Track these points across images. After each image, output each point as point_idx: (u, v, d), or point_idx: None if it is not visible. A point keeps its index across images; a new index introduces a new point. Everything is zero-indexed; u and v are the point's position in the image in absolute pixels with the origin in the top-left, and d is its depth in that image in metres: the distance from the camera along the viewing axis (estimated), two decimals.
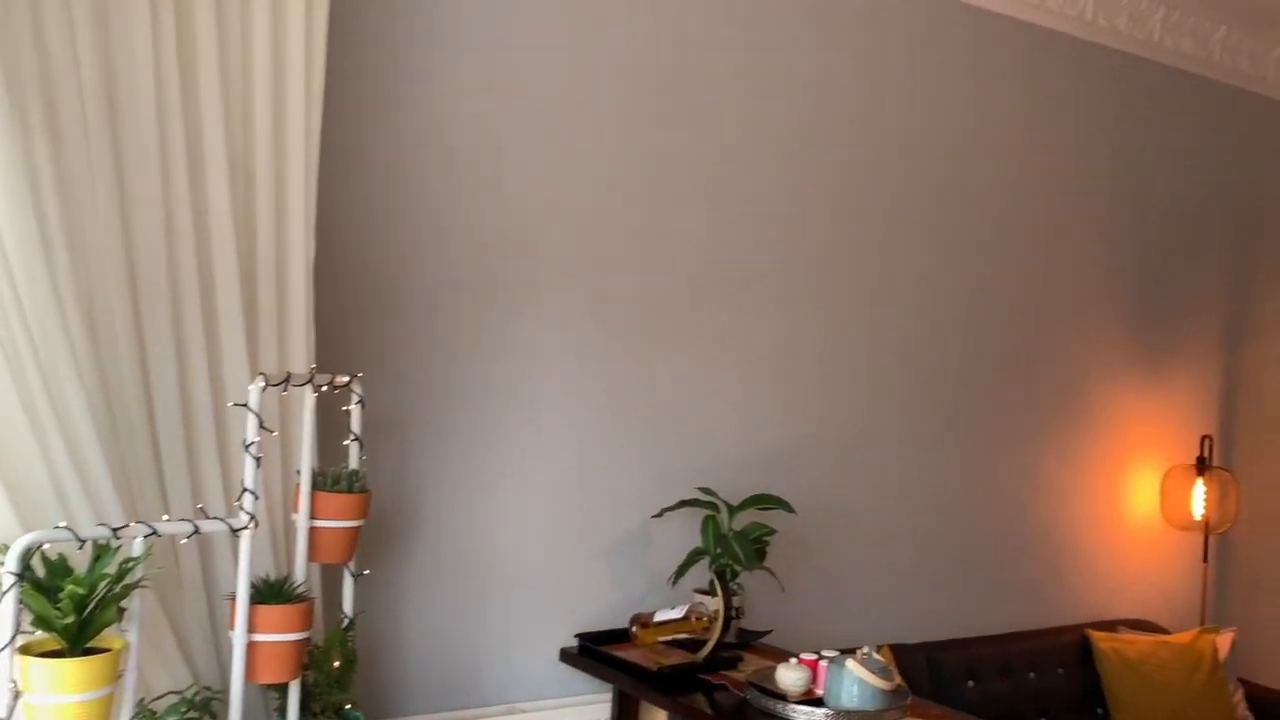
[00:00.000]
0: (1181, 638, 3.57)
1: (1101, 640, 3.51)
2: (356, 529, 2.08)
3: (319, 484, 2.04)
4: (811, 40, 3.21)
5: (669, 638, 2.60)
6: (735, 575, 2.75)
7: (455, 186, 2.64)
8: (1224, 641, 3.58)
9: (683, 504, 2.80)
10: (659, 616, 2.59)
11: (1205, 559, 3.98)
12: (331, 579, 2.24)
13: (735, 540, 2.71)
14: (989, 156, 3.60)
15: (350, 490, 2.04)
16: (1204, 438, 3.99)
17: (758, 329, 3.12)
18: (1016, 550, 3.69)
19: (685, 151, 2.99)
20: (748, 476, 3.08)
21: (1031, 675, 3.39)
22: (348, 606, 2.17)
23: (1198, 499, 3.89)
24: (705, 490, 2.87)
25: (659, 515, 2.82)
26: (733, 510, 2.82)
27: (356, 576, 2.18)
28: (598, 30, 2.84)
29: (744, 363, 3.10)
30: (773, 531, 2.81)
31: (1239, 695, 3.56)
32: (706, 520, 2.79)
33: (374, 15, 2.53)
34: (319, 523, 2.03)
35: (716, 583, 2.55)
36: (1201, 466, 3.90)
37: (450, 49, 2.63)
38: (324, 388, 2.08)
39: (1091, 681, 3.49)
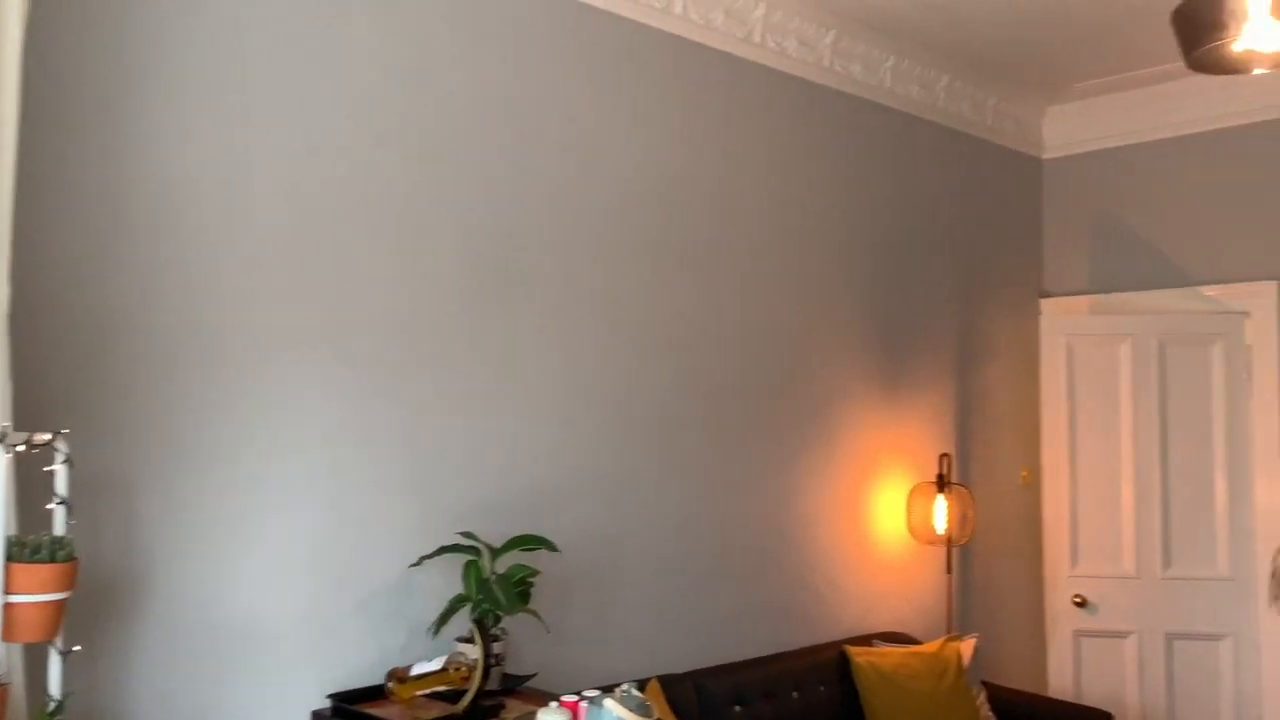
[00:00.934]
0: (930, 647, 3.78)
1: (858, 655, 3.66)
2: (62, 602, 1.87)
3: (14, 555, 1.83)
4: (567, 82, 3.23)
5: (428, 691, 2.50)
6: (498, 620, 2.69)
7: (184, 224, 2.47)
8: (967, 648, 3.81)
9: (443, 550, 2.72)
10: (416, 670, 2.49)
11: (949, 570, 4.25)
12: (38, 659, 2.01)
13: (497, 584, 2.65)
14: (741, 197, 3.74)
15: (53, 559, 1.84)
16: (942, 456, 4.27)
17: (519, 368, 3.09)
18: (778, 572, 3.81)
19: (444, 188, 2.93)
20: (513, 518, 3.04)
21: (795, 694, 3.49)
22: (54, 688, 1.96)
23: (939, 514, 4.15)
24: (466, 534, 2.80)
25: (418, 564, 2.73)
26: (495, 553, 2.76)
27: (65, 654, 1.97)
28: (337, 69, 2.75)
29: (506, 402, 3.05)
30: (536, 573, 2.77)
31: (982, 697, 3.80)
32: (468, 565, 2.72)
33: (90, 35, 2.34)
34: (15, 598, 1.82)
35: (476, 630, 2.48)
36: (941, 483, 4.17)
37: (181, 78, 2.47)
38: (21, 447, 1.87)
39: (851, 696, 3.64)
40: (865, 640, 3.89)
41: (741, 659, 3.61)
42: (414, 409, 2.85)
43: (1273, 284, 4.41)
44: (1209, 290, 4.58)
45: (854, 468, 4.10)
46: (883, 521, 4.20)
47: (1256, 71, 2.36)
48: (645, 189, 3.44)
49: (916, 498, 4.22)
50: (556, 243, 3.20)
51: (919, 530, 4.20)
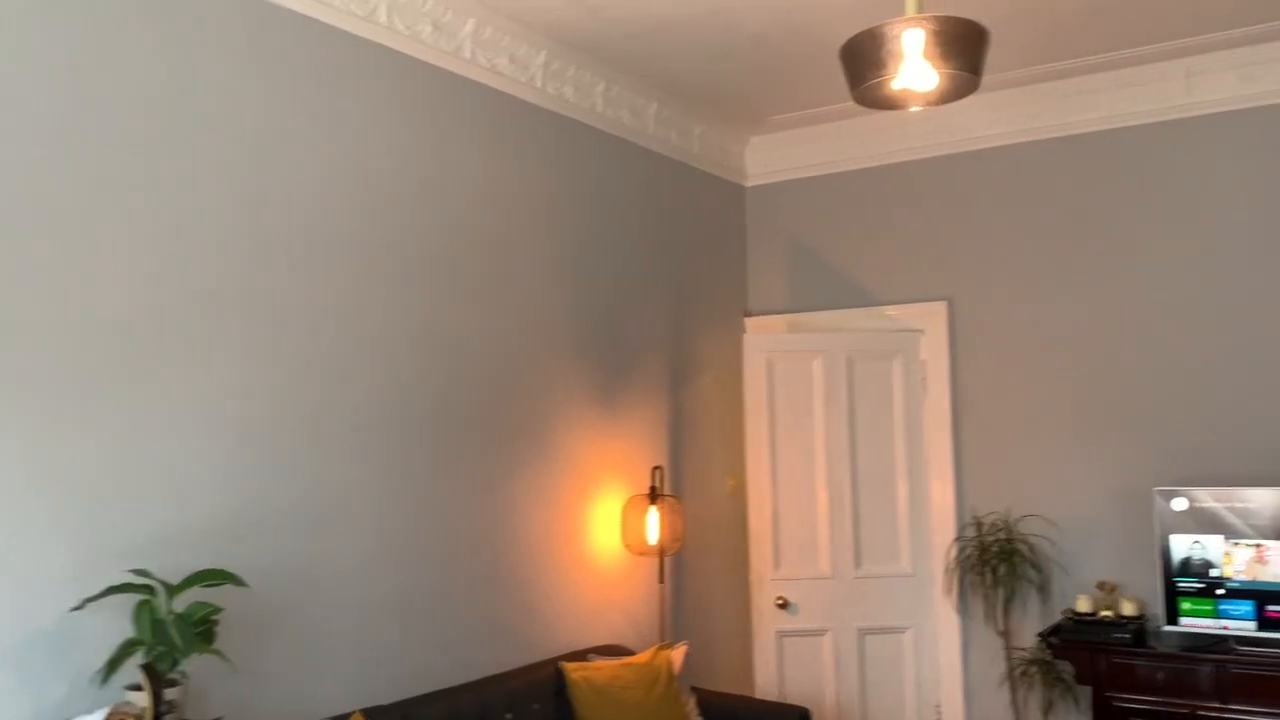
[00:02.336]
0: (642, 657, 3.86)
1: (573, 671, 3.68)
2: None
3: None
4: (258, 86, 3.05)
5: None
6: (176, 663, 2.47)
7: None
8: (678, 655, 3.92)
9: (110, 590, 2.47)
10: None
11: (661, 580, 4.37)
12: None
13: (174, 625, 2.45)
14: (451, 213, 3.68)
15: None
16: (655, 468, 4.39)
17: (205, 388, 2.87)
18: (494, 593, 3.76)
19: (112, 194, 2.67)
20: (197, 551, 2.81)
21: (508, 716, 3.45)
22: None
23: (652, 525, 4.26)
24: (140, 572, 2.56)
25: (79, 606, 2.46)
26: (172, 591, 2.54)
27: None
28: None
29: (188, 425, 2.82)
30: (219, 610, 2.57)
31: (692, 703, 3.91)
32: (140, 606, 2.49)
33: None
34: None
35: (143, 676, 2.26)
36: (653, 495, 4.28)
37: None
38: None
39: (566, 712, 3.64)
40: (581, 655, 3.92)
41: (456, 684, 3.53)
42: (75, 433, 2.58)
43: (943, 304, 4.87)
44: (890, 310, 5.00)
45: (571, 483, 4.13)
46: (599, 535, 4.26)
47: (913, 109, 2.59)
48: (343, 199, 3.31)
49: (630, 510, 4.31)
50: (246, 254, 3.01)
51: (633, 542, 4.29)
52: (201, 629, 2.52)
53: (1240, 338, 4.25)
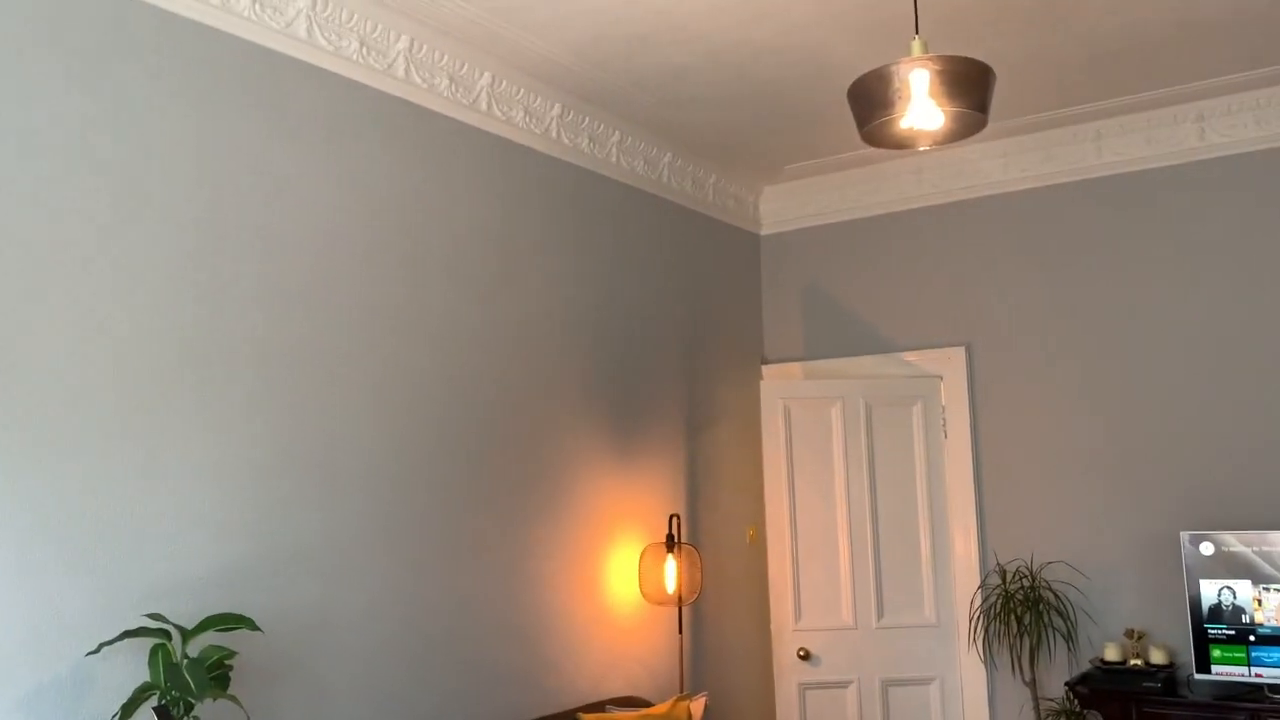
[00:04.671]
0: (660, 709, 3.80)
1: None
2: None
3: None
4: (272, 138, 3.12)
5: None
6: (190, 708, 2.46)
7: None
8: (697, 707, 3.86)
9: (126, 634, 2.46)
10: None
11: (680, 630, 4.32)
12: None
13: (188, 669, 2.43)
14: (468, 261, 3.72)
15: None
16: (672, 516, 4.36)
17: (219, 433, 2.89)
18: (509, 641, 3.73)
19: (136, 240, 2.72)
20: (214, 597, 2.81)
21: None
22: None
23: (670, 574, 4.22)
24: (155, 616, 2.57)
25: (96, 651, 2.46)
26: (187, 635, 2.54)
27: None
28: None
29: (208, 469, 2.84)
30: (233, 654, 2.56)
31: None
32: (155, 650, 2.48)
33: None
34: None
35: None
36: (671, 543, 4.25)
37: None
38: None
39: None
40: (599, 706, 3.86)
41: None
42: (91, 477, 2.59)
43: (961, 350, 4.85)
44: (908, 356, 4.99)
45: (587, 531, 4.11)
46: (616, 584, 4.22)
47: (921, 148, 2.61)
48: (357, 250, 3.35)
49: (648, 559, 4.27)
50: (259, 301, 3.04)
51: (650, 591, 4.25)
52: (216, 673, 2.51)
53: (1266, 380, 4.20)
